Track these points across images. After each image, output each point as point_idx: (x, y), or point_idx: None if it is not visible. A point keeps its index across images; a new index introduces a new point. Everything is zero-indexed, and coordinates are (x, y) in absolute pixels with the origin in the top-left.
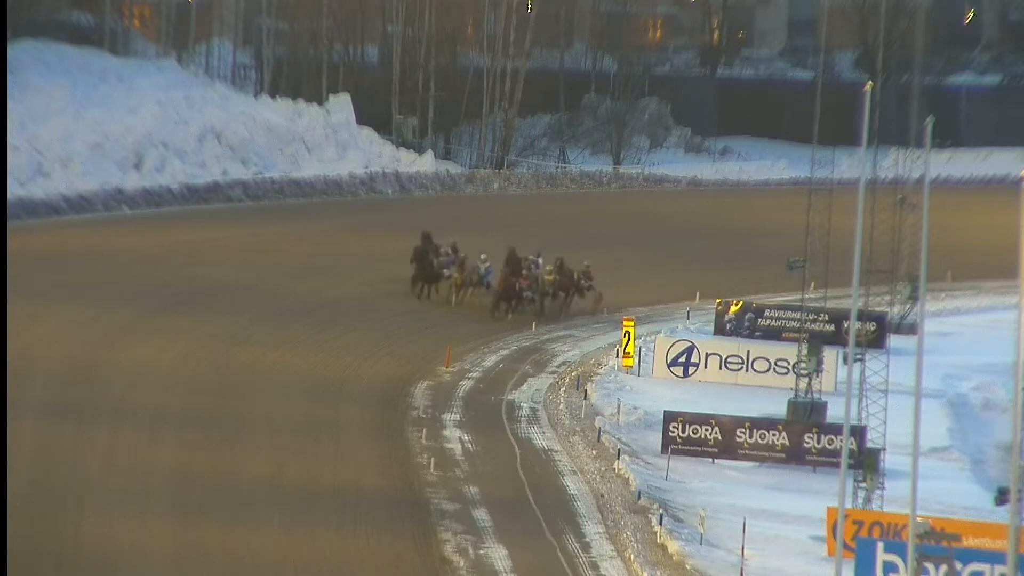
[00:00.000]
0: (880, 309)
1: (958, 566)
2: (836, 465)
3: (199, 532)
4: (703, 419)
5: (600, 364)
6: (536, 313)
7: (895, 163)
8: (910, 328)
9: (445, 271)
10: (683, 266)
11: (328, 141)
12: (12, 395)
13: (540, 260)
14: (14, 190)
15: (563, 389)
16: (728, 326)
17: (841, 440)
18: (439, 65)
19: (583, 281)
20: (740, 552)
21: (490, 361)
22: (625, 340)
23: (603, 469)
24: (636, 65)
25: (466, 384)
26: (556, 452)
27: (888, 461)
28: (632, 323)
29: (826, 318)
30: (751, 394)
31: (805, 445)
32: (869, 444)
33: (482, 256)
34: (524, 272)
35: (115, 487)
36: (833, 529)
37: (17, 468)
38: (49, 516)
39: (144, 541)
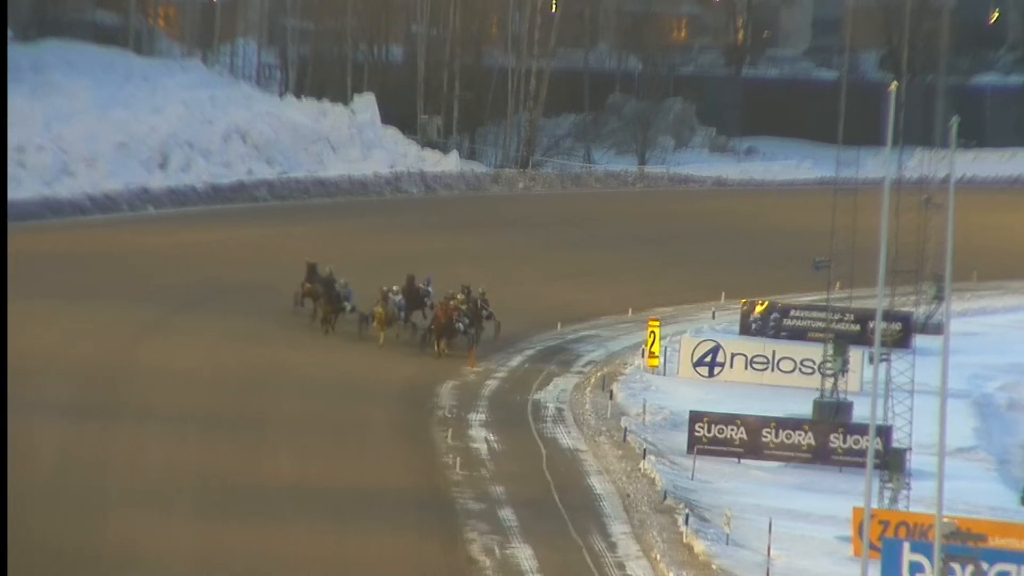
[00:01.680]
0: (906, 309)
1: (984, 566)
2: (862, 465)
3: (224, 532)
4: (729, 419)
5: (626, 364)
6: (459, 346)
7: (920, 163)
8: (936, 328)
9: (347, 304)
10: (708, 266)
11: (353, 141)
12: (36, 394)
13: (431, 288)
14: (40, 189)
15: (589, 389)
16: (754, 326)
17: (867, 440)
18: (464, 65)
19: (483, 310)
20: (766, 552)
21: (515, 361)
22: (650, 340)
23: (629, 469)
24: (661, 65)
25: (491, 384)
26: (582, 452)
27: (914, 461)
28: (657, 323)
29: (851, 318)
30: (777, 394)
31: (831, 445)
32: (895, 444)
33: (394, 288)
34: (427, 301)
35: (139, 487)
36: (859, 529)
37: (42, 468)
38: (73, 516)
39: (168, 541)
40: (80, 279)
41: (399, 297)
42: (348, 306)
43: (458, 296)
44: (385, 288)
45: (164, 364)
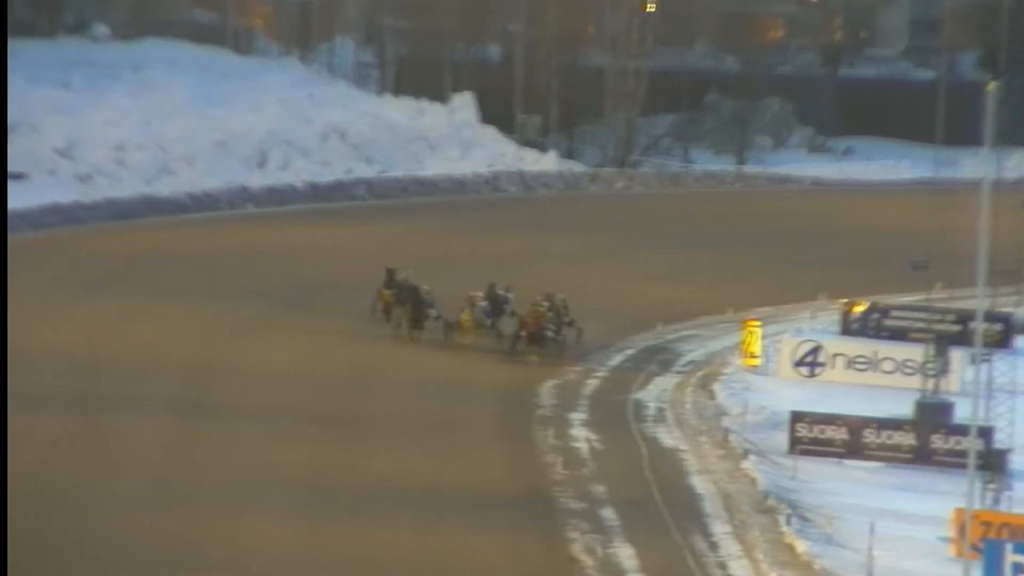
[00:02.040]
0: (1006, 309)
1: None
2: (963, 466)
3: (326, 530)
4: (830, 419)
5: (726, 364)
6: (542, 355)
7: (1020, 163)
8: None
9: (432, 311)
10: (808, 266)
11: (451, 140)
12: (136, 393)
13: (510, 295)
14: (140, 188)
15: (689, 388)
16: (854, 326)
17: (968, 441)
18: (562, 64)
19: (565, 317)
20: (867, 552)
21: (616, 360)
22: (751, 340)
23: (730, 469)
24: (758, 65)
25: (592, 383)
26: (683, 452)
27: (1015, 462)
28: (757, 323)
29: (952, 318)
30: (877, 394)
31: (932, 446)
32: (996, 445)
33: (479, 294)
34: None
35: (239, 486)
36: (960, 530)
37: (143, 465)
38: (175, 514)
39: (269, 540)
40: (179, 277)
41: (485, 303)
42: (434, 312)
43: (543, 304)
44: (472, 294)
45: (263, 362)
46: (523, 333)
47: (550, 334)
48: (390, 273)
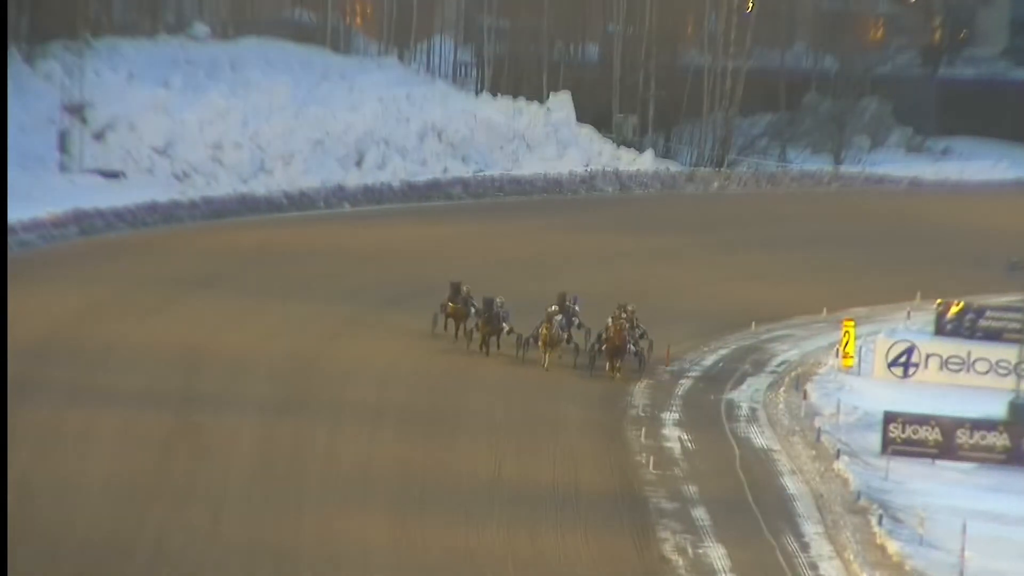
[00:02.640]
0: None
1: None
2: None
3: (419, 528)
4: (923, 420)
5: (820, 364)
6: (623, 369)
7: None
8: None
9: (504, 324)
10: (903, 266)
11: (548, 139)
12: (232, 391)
13: (578, 307)
14: (237, 187)
15: (782, 389)
16: (949, 327)
17: None
18: (659, 64)
19: (636, 328)
20: (960, 553)
21: (709, 360)
22: (845, 340)
23: (822, 469)
24: (857, 64)
25: (685, 383)
26: (775, 452)
27: None
28: (852, 323)
29: None
30: (971, 395)
31: None
32: None
33: (553, 308)
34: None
35: (336, 483)
36: None
37: (239, 462)
38: (270, 511)
39: (365, 536)
40: (276, 276)
41: (560, 317)
42: (506, 327)
43: (622, 316)
44: (550, 309)
45: (361, 360)
46: (605, 347)
47: (632, 348)
48: (455, 287)
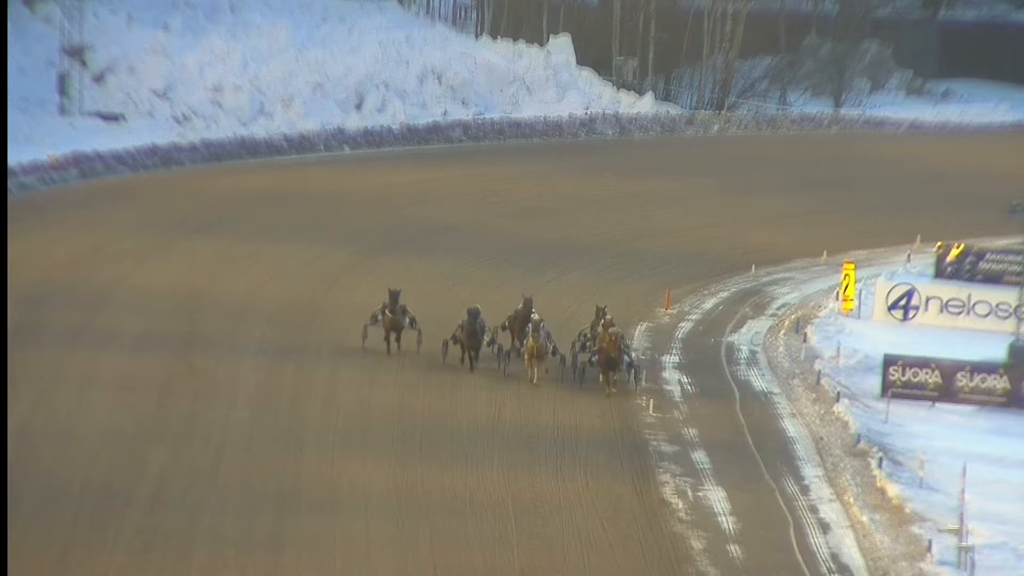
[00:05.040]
0: None
1: None
2: None
3: (418, 472)
4: (923, 363)
5: (820, 307)
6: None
7: None
8: None
9: (483, 338)
10: (903, 209)
11: (548, 82)
12: (233, 334)
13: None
14: (236, 130)
15: (782, 332)
16: (949, 270)
17: None
18: (659, 6)
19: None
20: (960, 496)
21: (709, 303)
22: (845, 283)
23: (822, 412)
24: (857, 7)
25: (685, 326)
26: (775, 395)
27: None
28: (852, 266)
29: None
30: (972, 338)
31: None
32: None
33: (534, 316)
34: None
35: (335, 427)
36: None
37: (239, 407)
38: (269, 453)
39: (364, 480)
40: (276, 219)
41: (543, 324)
42: (486, 340)
43: (612, 325)
44: (536, 318)
45: (361, 304)
46: (599, 359)
47: (627, 358)
48: (393, 296)
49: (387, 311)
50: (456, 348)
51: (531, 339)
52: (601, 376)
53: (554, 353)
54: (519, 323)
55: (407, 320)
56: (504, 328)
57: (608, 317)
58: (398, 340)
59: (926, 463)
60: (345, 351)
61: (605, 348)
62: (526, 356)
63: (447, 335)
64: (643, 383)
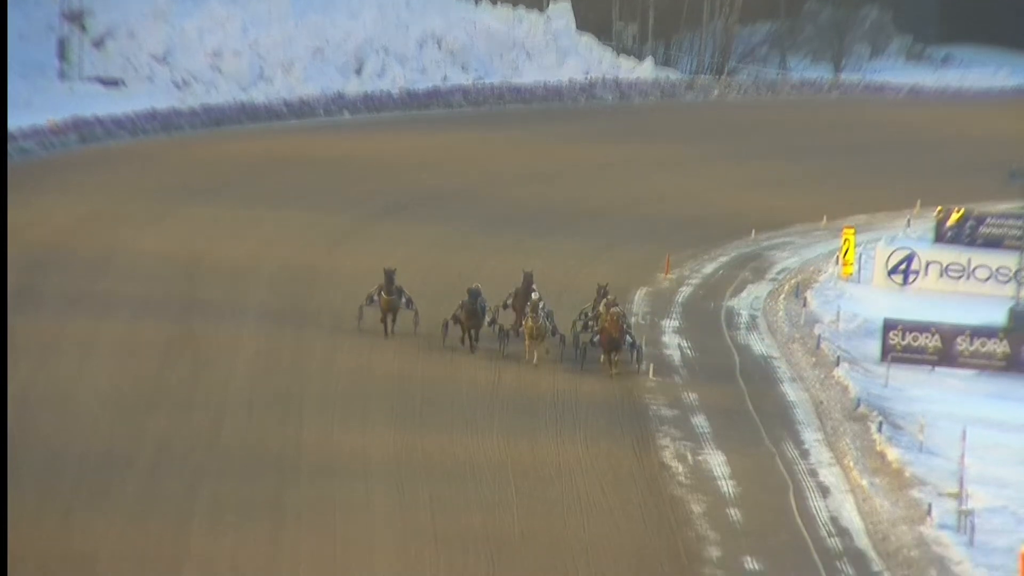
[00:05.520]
0: None
1: None
2: None
3: (418, 437)
4: (923, 327)
5: (820, 272)
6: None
7: None
8: None
9: (485, 317)
10: (903, 174)
11: (548, 47)
12: (234, 300)
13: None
14: (236, 95)
15: (782, 296)
16: (949, 234)
17: None
18: None
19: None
20: (960, 460)
21: (709, 268)
22: (845, 248)
23: (822, 376)
24: None
25: (685, 291)
26: (775, 359)
27: None
28: (852, 231)
29: None
30: (972, 302)
31: None
32: None
33: (533, 295)
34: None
35: (335, 392)
36: None
37: (239, 371)
38: (269, 418)
39: (364, 444)
40: (276, 184)
41: (543, 303)
42: (487, 319)
43: (615, 304)
44: (536, 296)
45: (361, 269)
46: (600, 340)
47: (628, 339)
48: (389, 276)
49: (383, 292)
50: (456, 329)
51: (530, 319)
52: (602, 357)
53: (554, 333)
54: (520, 301)
55: (403, 301)
56: (505, 306)
57: (610, 296)
58: (394, 321)
59: (926, 427)
60: (345, 316)
61: (607, 328)
62: (526, 336)
63: (446, 305)
64: (644, 365)
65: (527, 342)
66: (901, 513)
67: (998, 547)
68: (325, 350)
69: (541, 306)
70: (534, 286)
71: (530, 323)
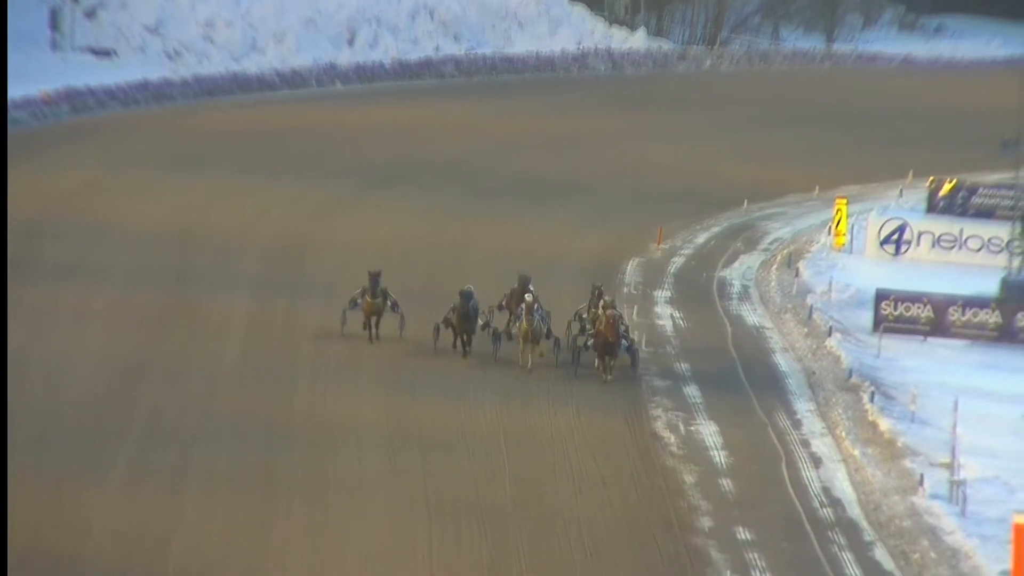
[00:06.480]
0: None
1: None
2: None
3: (410, 407)
4: (915, 297)
5: (812, 242)
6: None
7: None
8: None
9: (478, 320)
10: (895, 145)
11: (541, 18)
12: (226, 269)
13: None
14: (228, 65)
15: (774, 266)
16: (941, 204)
17: None
18: None
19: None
20: (951, 430)
21: (701, 238)
22: (837, 218)
23: (814, 347)
24: None
25: (677, 261)
26: (767, 329)
27: None
28: (844, 201)
29: None
30: (964, 272)
31: (1018, 324)
32: None
33: (528, 295)
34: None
35: (326, 362)
36: None
37: (231, 341)
38: (262, 388)
39: (356, 414)
40: (268, 155)
41: (538, 305)
42: (481, 322)
43: (612, 306)
44: (529, 298)
45: (353, 239)
46: (595, 343)
47: (625, 342)
48: (374, 278)
49: (367, 295)
50: (448, 333)
51: (524, 321)
52: (597, 362)
53: (548, 336)
54: (516, 302)
55: (388, 304)
56: (500, 308)
57: (606, 298)
58: (377, 325)
59: (918, 397)
60: (337, 287)
61: (602, 331)
62: (520, 339)
63: (440, 303)
64: (640, 370)
65: (521, 345)
66: (893, 483)
67: (990, 517)
68: (317, 320)
69: (536, 308)
70: (531, 287)
71: (524, 325)
